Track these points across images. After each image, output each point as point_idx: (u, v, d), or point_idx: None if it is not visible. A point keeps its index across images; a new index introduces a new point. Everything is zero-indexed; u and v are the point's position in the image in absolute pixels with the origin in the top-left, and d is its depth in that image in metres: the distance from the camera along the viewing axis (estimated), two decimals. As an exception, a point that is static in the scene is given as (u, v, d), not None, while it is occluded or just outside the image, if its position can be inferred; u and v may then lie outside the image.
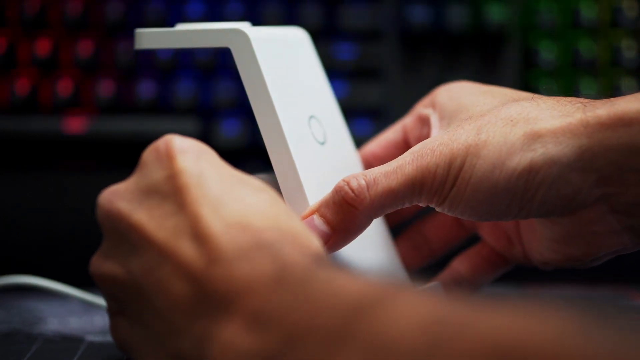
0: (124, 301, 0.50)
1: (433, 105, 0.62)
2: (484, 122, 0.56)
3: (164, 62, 0.84)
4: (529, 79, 0.86)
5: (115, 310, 0.52)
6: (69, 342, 0.64)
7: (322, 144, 0.61)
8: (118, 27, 0.84)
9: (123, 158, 0.84)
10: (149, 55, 0.84)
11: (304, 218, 0.56)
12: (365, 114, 0.84)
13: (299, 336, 0.40)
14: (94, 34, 0.85)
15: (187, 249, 0.46)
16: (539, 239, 0.60)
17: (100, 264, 0.51)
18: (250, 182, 0.50)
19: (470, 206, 0.55)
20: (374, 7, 0.85)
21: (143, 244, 0.48)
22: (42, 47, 0.84)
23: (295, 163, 0.57)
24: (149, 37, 0.60)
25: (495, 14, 0.85)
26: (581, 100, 0.56)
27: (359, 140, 0.76)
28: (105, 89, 0.84)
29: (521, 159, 0.54)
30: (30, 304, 0.74)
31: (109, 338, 0.64)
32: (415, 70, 0.86)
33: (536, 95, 0.58)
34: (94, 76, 0.84)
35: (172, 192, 0.48)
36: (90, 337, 0.65)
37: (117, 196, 0.51)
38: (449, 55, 0.86)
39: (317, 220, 0.56)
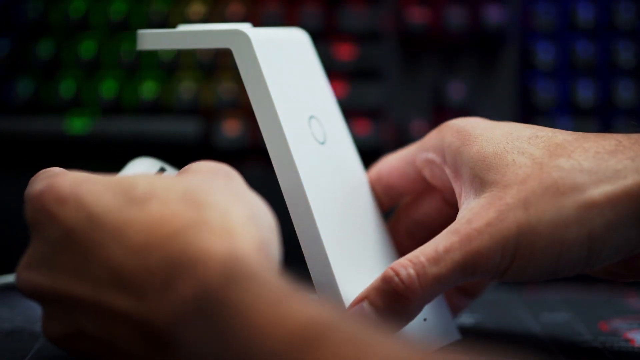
0: (94, 353, 0.49)
1: (443, 151, 0.59)
2: (528, 192, 0.53)
3: (166, 63, 0.84)
4: (526, 80, 0.86)
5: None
6: None
7: (322, 143, 0.61)
8: (119, 28, 0.85)
9: (125, 158, 0.84)
10: (151, 56, 0.84)
11: (354, 305, 0.55)
12: (364, 115, 0.84)
13: None
14: (96, 34, 0.85)
15: (111, 298, 0.46)
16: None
17: (53, 329, 0.50)
18: (133, 192, 0.48)
19: (531, 276, 0.54)
20: (374, 9, 0.85)
21: (77, 306, 0.47)
22: (45, 48, 0.84)
23: (295, 163, 0.57)
24: (151, 38, 0.60)
25: (494, 15, 0.85)
26: (623, 148, 0.54)
27: (359, 140, 0.76)
28: (107, 89, 0.84)
29: (580, 231, 0.52)
30: (33, 302, 0.74)
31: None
32: (414, 71, 0.86)
33: (560, 136, 0.55)
34: (96, 77, 0.84)
35: (74, 248, 0.47)
36: None
37: (31, 270, 0.49)
38: (447, 57, 0.86)
39: (367, 308, 0.54)
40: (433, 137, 0.60)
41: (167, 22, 0.84)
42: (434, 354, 0.36)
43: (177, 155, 0.83)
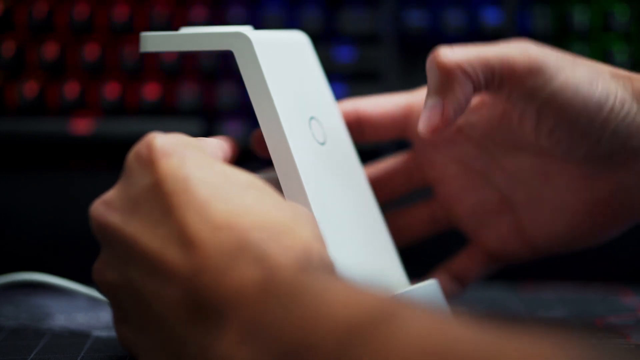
0: (127, 309, 0.49)
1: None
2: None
3: (168, 65, 0.85)
4: None
5: (119, 318, 0.51)
6: (76, 337, 0.64)
7: (322, 144, 0.61)
8: (123, 30, 0.85)
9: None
10: (154, 58, 0.85)
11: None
12: None
13: (294, 355, 0.40)
14: (100, 37, 0.85)
15: (176, 258, 0.45)
16: (555, 217, 0.64)
17: (102, 272, 0.50)
18: (238, 179, 0.49)
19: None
20: (373, 12, 0.85)
21: (137, 255, 0.47)
22: (50, 50, 0.85)
23: (296, 163, 0.57)
24: (154, 41, 0.60)
25: (491, 18, 0.85)
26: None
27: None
28: (110, 91, 0.85)
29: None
30: (38, 300, 0.74)
31: (115, 333, 0.64)
32: (413, 73, 0.86)
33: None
34: (100, 79, 0.85)
35: (159, 200, 0.47)
36: (97, 332, 0.65)
37: (108, 208, 0.50)
38: (445, 59, 0.87)
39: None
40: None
41: (170, 25, 0.84)
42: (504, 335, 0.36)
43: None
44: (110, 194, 0.50)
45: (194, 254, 0.45)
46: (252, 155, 0.84)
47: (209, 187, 0.47)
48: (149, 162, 0.49)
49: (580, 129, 0.60)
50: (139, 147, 0.50)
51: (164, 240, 0.46)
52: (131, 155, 0.51)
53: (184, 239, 0.46)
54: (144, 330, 0.48)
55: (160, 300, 0.46)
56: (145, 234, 0.47)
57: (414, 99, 0.68)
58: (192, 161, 0.49)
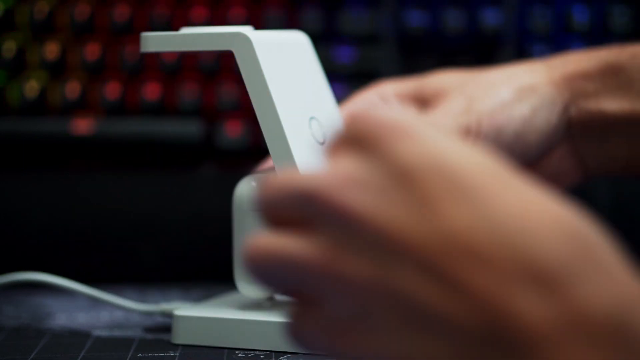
0: (367, 313, 0.37)
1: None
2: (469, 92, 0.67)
3: (169, 65, 0.85)
4: None
5: (342, 320, 0.38)
6: (77, 337, 0.64)
7: (322, 144, 0.62)
8: (124, 31, 0.85)
9: (129, 158, 0.84)
10: (154, 58, 0.85)
11: None
12: None
13: None
14: (101, 37, 0.85)
15: (456, 266, 0.35)
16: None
17: (339, 261, 0.37)
18: (498, 165, 0.37)
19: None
20: (373, 12, 0.86)
21: (406, 255, 0.36)
22: (50, 50, 0.85)
23: (296, 163, 0.58)
24: (154, 41, 0.60)
25: (491, 19, 0.86)
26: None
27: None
28: (111, 91, 0.85)
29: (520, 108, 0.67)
30: (38, 299, 0.74)
31: (115, 332, 0.65)
32: (412, 73, 0.85)
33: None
34: (101, 79, 0.85)
35: (412, 191, 0.36)
36: (97, 332, 0.65)
37: (354, 189, 0.37)
38: (445, 59, 0.86)
39: None
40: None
41: (170, 25, 0.85)
42: None
43: (180, 156, 0.84)
44: (351, 173, 0.38)
45: (474, 262, 0.35)
46: (252, 156, 0.84)
47: (483, 178, 0.36)
48: (384, 146, 0.37)
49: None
50: (383, 121, 0.38)
51: (429, 238, 0.36)
52: (352, 128, 0.39)
53: (452, 243, 0.35)
54: (401, 340, 0.36)
55: (444, 311, 0.35)
56: (407, 226, 0.36)
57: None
58: (442, 144, 0.37)
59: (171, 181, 0.84)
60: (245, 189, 0.61)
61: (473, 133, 0.66)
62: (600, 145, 0.69)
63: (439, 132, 0.38)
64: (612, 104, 0.68)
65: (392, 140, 0.37)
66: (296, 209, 0.39)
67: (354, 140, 0.39)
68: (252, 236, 0.40)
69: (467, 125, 0.66)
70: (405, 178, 0.37)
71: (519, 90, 0.68)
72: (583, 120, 0.68)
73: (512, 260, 0.34)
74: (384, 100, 0.69)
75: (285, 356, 0.59)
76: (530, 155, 0.68)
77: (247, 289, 0.61)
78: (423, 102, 0.70)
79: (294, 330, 0.39)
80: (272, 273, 0.39)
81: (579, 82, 0.68)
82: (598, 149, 0.69)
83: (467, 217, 0.35)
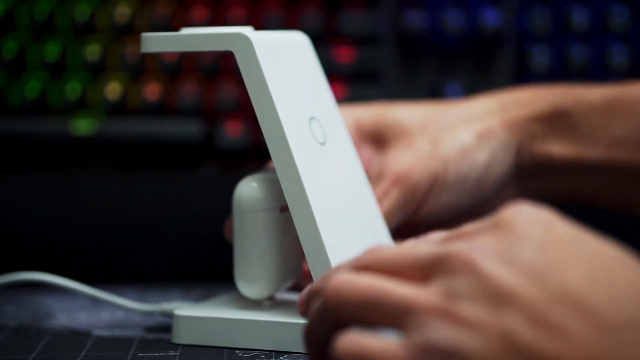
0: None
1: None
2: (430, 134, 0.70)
3: (170, 66, 0.85)
4: (522, 82, 0.86)
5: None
6: (77, 336, 0.64)
7: (322, 144, 0.62)
8: (124, 31, 0.85)
9: (129, 158, 0.84)
10: (155, 58, 0.85)
11: None
12: None
13: None
14: (101, 38, 0.85)
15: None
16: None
17: (459, 306, 0.41)
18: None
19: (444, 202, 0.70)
20: (373, 13, 0.86)
21: (519, 307, 0.40)
22: (51, 51, 0.85)
23: (296, 163, 0.58)
24: (155, 41, 0.60)
25: (490, 19, 0.86)
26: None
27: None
28: (112, 91, 0.85)
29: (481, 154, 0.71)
30: (39, 299, 0.75)
31: (115, 332, 0.65)
32: (412, 74, 0.87)
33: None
34: (101, 79, 0.85)
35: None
36: (98, 332, 0.65)
37: (487, 255, 0.43)
38: (444, 59, 0.87)
39: None
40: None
41: (171, 26, 0.85)
42: None
43: (180, 156, 0.84)
44: (497, 248, 0.43)
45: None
46: (252, 156, 0.84)
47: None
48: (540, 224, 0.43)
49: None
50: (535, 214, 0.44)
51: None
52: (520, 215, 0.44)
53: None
54: None
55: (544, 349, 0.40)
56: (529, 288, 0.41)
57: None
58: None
59: (171, 181, 0.84)
60: (245, 189, 0.61)
61: (440, 182, 0.69)
62: (545, 183, 0.73)
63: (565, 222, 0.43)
64: (558, 148, 0.72)
65: (528, 226, 0.43)
66: (424, 266, 0.44)
67: (493, 225, 0.44)
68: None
69: (435, 170, 0.69)
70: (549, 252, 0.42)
71: (479, 135, 0.71)
72: (532, 161, 0.73)
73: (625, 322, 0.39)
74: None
75: (285, 356, 0.59)
76: (488, 196, 0.72)
77: (247, 288, 0.62)
78: (380, 136, 0.71)
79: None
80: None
81: (529, 125, 0.72)
82: (543, 186, 0.74)
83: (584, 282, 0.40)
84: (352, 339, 0.43)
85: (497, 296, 0.41)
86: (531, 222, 0.43)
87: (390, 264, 0.45)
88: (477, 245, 0.43)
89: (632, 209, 0.74)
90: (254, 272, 0.61)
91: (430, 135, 0.71)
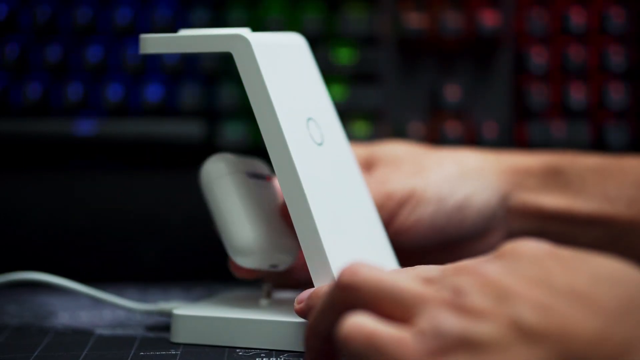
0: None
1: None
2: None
3: (171, 67, 0.85)
4: (520, 83, 0.87)
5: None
6: (79, 335, 0.64)
7: (320, 145, 0.62)
8: (126, 32, 0.85)
9: (131, 159, 0.85)
10: (156, 60, 0.85)
11: None
12: (363, 117, 0.85)
13: None
14: (103, 39, 0.86)
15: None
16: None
17: (464, 298, 0.43)
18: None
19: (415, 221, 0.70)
20: (372, 14, 0.86)
21: (518, 298, 0.43)
22: (53, 52, 0.85)
23: (294, 163, 0.58)
24: (154, 42, 0.60)
25: (488, 21, 0.86)
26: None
27: (357, 142, 0.77)
28: (113, 92, 0.85)
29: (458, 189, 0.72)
30: (41, 298, 0.75)
31: (117, 331, 0.65)
32: (411, 75, 0.87)
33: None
34: (103, 80, 0.85)
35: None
36: (100, 331, 0.65)
37: (492, 266, 0.45)
38: (444, 60, 0.87)
39: None
40: None
41: (172, 27, 0.85)
42: None
43: (181, 156, 0.84)
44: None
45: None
46: (252, 156, 0.84)
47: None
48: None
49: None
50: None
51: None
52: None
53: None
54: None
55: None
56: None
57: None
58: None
59: (172, 181, 0.85)
60: (207, 164, 0.63)
61: (417, 195, 0.69)
62: (535, 232, 0.73)
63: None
64: (550, 200, 0.73)
65: (531, 251, 0.45)
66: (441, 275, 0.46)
67: (496, 255, 0.46)
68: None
69: (413, 186, 0.70)
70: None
71: (466, 170, 0.72)
72: (521, 210, 0.73)
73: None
74: None
75: (285, 354, 0.59)
76: (466, 230, 0.72)
77: (240, 257, 0.62)
78: (371, 163, 0.72)
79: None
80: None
81: (522, 176, 0.73)
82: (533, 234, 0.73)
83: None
84: (361, 322, 0.44)
85: (502, 293, 0.43)
86: (534, 249, 0.45)
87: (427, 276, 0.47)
88: (481, 264, 0.45)
89: None
90: (239, 236, 0.61)
91: (418, 162, 0.72)
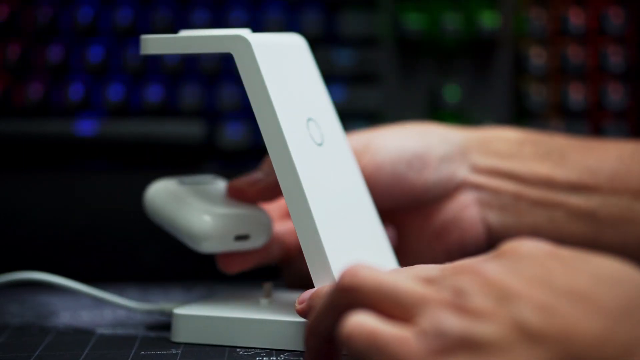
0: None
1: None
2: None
3: (171, 67, 0.85)
4: (519, 84, 0.87)
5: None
6: (80, 335, 0.64)
7: (320, 145, 0.62)
8: (126, 33, 0.86)
9: (131, 159, 0.85)
10: (157, 60, 0.85)
11: None
12: (363, 117, 0.86)
13: None
14: (104, 40, 0.86)
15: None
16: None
17: (466, 299, 0.43)
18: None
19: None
20: (372, 15, 0.86)
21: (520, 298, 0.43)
22: (55, 53, 0.85)
23: (294, 163, 0.58)
24: (154, 43, 0.60)
25: (488, 22, 0.86)
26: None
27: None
28: (114, 92, 0.85)
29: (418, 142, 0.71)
30: (43, 298, 0.75)
31: (118, 330, 0.65)
32: (411, 75, 0.87)
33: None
34: (104, 81, 0.86)
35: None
36: (101, 330, 0.65)
37: (492, 265, 0.45)
38: (443, 61, 0.87)
39: None
40: None
41: (173, 28, 0.85)
42: None
43: (182, 156, 0.84)
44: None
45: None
46: (253, 156, 0.84)
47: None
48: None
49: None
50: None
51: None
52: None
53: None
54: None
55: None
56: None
57: None
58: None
59: (173, 181, 0.85)
60: (147, 190, 0.66)
61: (375, 143, 0.69)
62: (512, 200, 0.71)
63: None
64: (526, 166, 0.70)
65: (531, 250, 0.45)
66: (443, 275, 0.45)
67: (495, 255, 0.46)
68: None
69: (371, 137, 0.70)
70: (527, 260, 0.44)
71: (428, 129, 0.71)
72: (494, 173, 0.71)
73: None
74: None
75: (285, 354, 0.59)
76: (429, 183, 0.70)
77: (208, 243, 0.63)
78: None
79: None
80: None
81: (494, 142, 0.71)
82: (509, 203, 0.71)
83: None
84: (363, 320, 0.44)
85: (503, 294, 0.42)
86: (535, 248, 0.45)
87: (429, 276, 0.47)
88: (481, 263, 0.45)
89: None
90: (189, 224, 0.64)
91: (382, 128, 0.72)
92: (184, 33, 0.61)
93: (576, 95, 0.87)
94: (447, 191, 0.71)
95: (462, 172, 0.71)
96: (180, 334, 0.62)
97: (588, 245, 0.68)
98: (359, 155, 0.68)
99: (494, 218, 0.71)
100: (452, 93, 0.87)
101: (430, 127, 0.72)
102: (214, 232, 0.63)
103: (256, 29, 0.66)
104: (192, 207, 0.64)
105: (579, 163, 0.70)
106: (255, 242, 0.65)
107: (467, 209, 0.71)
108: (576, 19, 0.86)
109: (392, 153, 0.69)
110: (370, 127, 0.80)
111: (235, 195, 0.65)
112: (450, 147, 0.71)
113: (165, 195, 0.65)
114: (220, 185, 0.66)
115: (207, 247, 0.63)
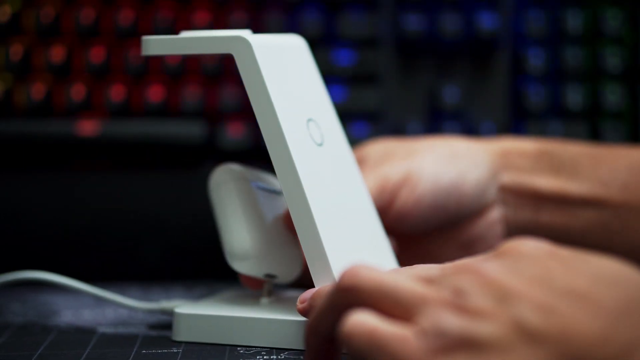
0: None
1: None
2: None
3: (172, 68, 0.86)
4: (518, 85, 0.87)
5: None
6: (82, 334, 0.64)
7: (320, 145, 0.62)
8: (128, 34, 0.86)
9: (133, 159, 0.85)
10: (158, 61, 0.85)
11: None
12: (362, 118, 0.86)
13: None
14: (105, 40, 0.86)
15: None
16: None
17: (466, 299, 0.44)
18: None
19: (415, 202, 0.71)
20: (371, 15, 0.86)
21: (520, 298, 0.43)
22: (56, 53, 0.86)
23: (295, 163, 0.58)
24: (155, 44, 0.61)
25: (487, 22, 0.86)
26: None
27: (358, 142, 0.77)
28: (116, 93, 0.85)
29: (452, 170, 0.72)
30: (45, 297, 0.75)
31: (119, 329, 0.65)
32: (410, 76, 0.87)
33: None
34: (105, 81, 0.86)
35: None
36: (102, 329, 0.66)
37: (492, 265, 0.45)
38: (442, 62, 0.87)
39: None
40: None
41: (174, 29, 0.85)
42: None
43: (183, 156, 0.85)
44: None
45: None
46: (253, 156, 0.85)
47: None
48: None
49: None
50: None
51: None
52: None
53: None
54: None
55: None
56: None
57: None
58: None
59: (174, 181, 0.85)
60: (216, 172, 0.64)
61: (414, 175, 0.70)
62: (530, 215, 0.73)
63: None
64: (544, 181, 0.73)
65: (531, 250, 0.45)
66: (442, 274, 0.46)
67: (496, 254, 0.46)
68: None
69: (408, 167, 0.70)
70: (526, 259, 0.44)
71: (457, 151, 0.73)
72: (515, 189, 0.73)
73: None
74: None
75: (285, 353, 0.59)
76: (464, 206, 0.72)
77: (240, 265, 0.62)
78: (363, 164, 0.73)
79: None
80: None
81: (513, 157, 0.73)
82: (529, 219, 0.73)
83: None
84: (364, 319, 0.44)
85: (503, 294, 0.43)
86: (535, 248, 0.45)
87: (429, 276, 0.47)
88: (481, 263, 0.45)
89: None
90: (235, 241, 0.62)
91: (409, 149, 0.73)
92: (185, 34, 0.61)
93: (574, 95, 0.87)
94: (478, 211, 0.73)
95: (492, 193, 0.73)
96: (182, 333, 0.62)
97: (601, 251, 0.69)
98: (397, 188, 0.70)
99: (516, 233, 0.73)
100: (451, 93, 0.87)
101: (457, 145, 0.74)
102: (248, 262, 0.63)
103: (256, 29, 0.66)
104: (247, 224, 0.63)
105: (590, 175, 0.73)
106: (282, 280, 0.65)
107: (494, 226, 0.73)
108: (574, 20, 0.87)
109: (430, 185, 0.70)
110: (370, 127, 0.80)
111: (291, 232, 0.64)
112: (482, 170, 0.72)
113: (234, 188, 0.63)
114: (282, 202, 0.65)
115: (236, 266, 0.63)
